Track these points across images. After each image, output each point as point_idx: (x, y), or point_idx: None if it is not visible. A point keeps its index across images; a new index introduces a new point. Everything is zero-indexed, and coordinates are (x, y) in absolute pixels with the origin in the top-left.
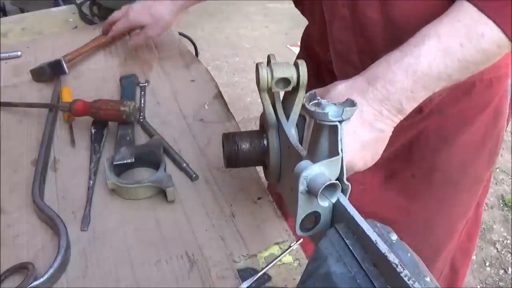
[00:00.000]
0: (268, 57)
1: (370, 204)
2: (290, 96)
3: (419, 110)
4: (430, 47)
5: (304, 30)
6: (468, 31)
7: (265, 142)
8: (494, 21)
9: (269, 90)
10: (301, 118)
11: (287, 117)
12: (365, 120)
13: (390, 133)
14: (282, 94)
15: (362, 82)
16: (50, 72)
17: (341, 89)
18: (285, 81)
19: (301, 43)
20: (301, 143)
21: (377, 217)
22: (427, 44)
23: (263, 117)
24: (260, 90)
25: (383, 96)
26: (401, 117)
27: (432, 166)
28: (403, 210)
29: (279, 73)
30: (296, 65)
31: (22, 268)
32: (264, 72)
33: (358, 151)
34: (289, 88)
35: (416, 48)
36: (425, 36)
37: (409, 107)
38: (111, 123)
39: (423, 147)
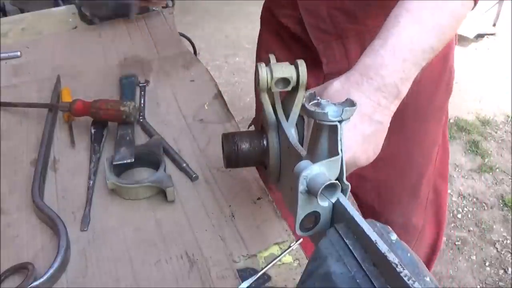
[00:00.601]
0: (268, 58)
1: None
2: (289, 96)
3: None
4: (406, 24)
5: (262, 11)
6: None
7: (264, 142)
8: None
9: (269, 90)
10: (300, 118)
11: (287, 117)
12: (364, 113)
13: (388, 124)
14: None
15: (356, 75)
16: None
17: (337, 86)
18: (285, 81)
19: (261, 22)
20: (301, 143)
21: None
22: (402, 22)
23: (262, 117)
24: (259, 90)
25: (378, 84)
26: (397, 103)
27: (403, 101)
28: (386, 145)
29: (278, 73)
30: (295, 65)
31: (22, 268)
32: (263, 72)
33: (360, 145)
34: (289, 88)
35: (394, 29)
36: (397, 16)
37: (405, 88)
38: (111, 123)
39: None
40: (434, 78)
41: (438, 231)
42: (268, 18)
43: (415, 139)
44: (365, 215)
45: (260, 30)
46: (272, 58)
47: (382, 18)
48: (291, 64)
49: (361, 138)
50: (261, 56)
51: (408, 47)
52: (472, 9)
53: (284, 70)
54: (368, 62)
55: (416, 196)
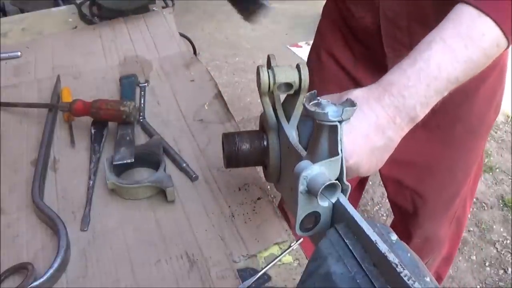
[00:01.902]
0: (268, 57)
1: (401, 153)
2: (291, 98)
3: None
4: (438, 51)
5: (327, 3)
6: (470, 33)
7: (265, 142)
8: (493, 19)
9: (270, 93)
10: (310, 119)
11: (287, 118)
12: (379, 126)
13: (397, 144)
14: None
15: (379, 89)
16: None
17: (358, 93)
18: (287, 85)
19: (324, 14)
20: (307, 144)
21: (410, 163)
22: (435, 48)
23: (263, 117)
24: (261, 93)
25: (398, 103)
26: (411, 126)
27: (454, 118)
28: (431, 157)
29: (281, 78)
30: (298, 68)
31: (22, 269)
32: (265, 76)
33: (367, 154)
34: (291, 92)
35: (425, 53)
36: (431, 41)
37: (422, 114)
38: (111, 123)
39: (448, 102)
40: (489, 98)
41: (454, 245)
42: (334, 12)
43: (461, 154)
44: (401, 221)
45: (321, 22)
46: (273, 58)
47: None
48: (293, 67)
49: (370, 148)
50: (318, 51)
51: (434, 73)
52: (506, 49)
53: (287, 74)
54: (393, 79)
55: (447, 211)
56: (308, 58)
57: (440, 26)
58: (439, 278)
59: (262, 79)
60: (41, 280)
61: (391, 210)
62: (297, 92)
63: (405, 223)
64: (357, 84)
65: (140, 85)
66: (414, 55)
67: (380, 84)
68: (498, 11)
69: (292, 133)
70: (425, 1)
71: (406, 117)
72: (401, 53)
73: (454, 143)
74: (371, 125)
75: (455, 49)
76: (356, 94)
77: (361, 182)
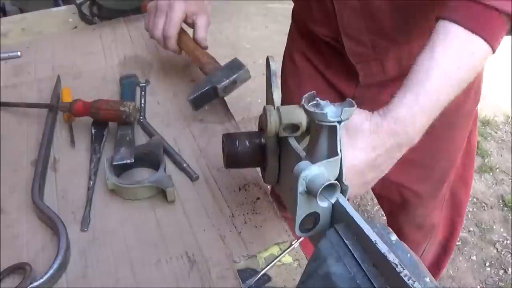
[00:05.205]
0: (267, 59)
1: None
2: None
3: None
4: (436, 79)
5: (294, 11)
6: (461, 54)
7: (263, 144)
8: (482, 37)
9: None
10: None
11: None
12: (377, 164)
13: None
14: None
15: (384, 128)
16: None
17: (364, 132)
18: (294, 127)
19: (293, 20)
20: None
21: None
22: (434, 77)
23: (262, 118)
24: (266, 135)
25: (402, 140)
26: (405, 152)
27: None
28: (411, 151)
29: (288, 130)
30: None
31: (19, 269)
32: (272, 123)
33: (358, 187)
34: (298, 134)
35: (426, 83)
36: (428, 69)
37: (417, 140)
38: (111, 123)
39: None
40: (464, 89)
41: (452, 232)
42: (300, 22)
43: (442, 144)
44: (390, 212)
45: (291, 27)
46: (271, 59)
47: (422, 40)
48: (301, 109)
49: (363, 183)
50: (291, 53)
51: (434, 105)
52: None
53: (294, 117)
54: (399, 117)
55: (435, 197)
56: (283, 64)
57: (430, 49)
58: (439, 267)
59: (269, 126)
60: (41, 280)
61: None
62: (305, 134)
63: (395, 213)
64: (333, 88)
65: (140, 85)
66: (417, 88)
67: (386, 118)
68: (485, 28)
69: (292, 139)
70: (382, 17)
71: (405, 148)
72: (368, 61)
73: (433, 134)
74: (369, 164)
75: (450, 74)
76: (364, 130)
77: None
